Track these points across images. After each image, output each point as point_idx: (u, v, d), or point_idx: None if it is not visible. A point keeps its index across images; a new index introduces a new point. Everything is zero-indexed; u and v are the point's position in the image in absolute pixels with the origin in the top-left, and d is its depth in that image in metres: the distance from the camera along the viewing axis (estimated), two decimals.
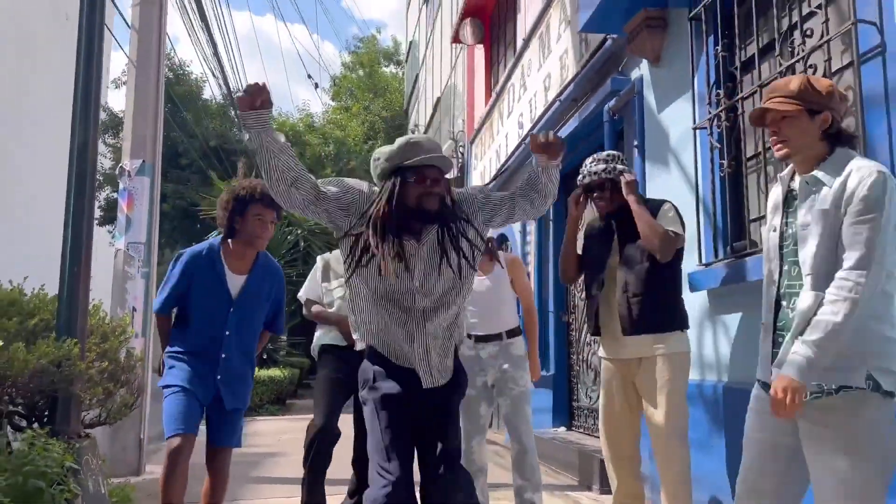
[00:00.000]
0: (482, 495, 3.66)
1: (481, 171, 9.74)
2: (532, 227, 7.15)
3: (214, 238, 3.25)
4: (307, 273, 13.34)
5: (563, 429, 6.22)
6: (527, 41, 7.40)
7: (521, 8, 8.10)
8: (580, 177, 3.44)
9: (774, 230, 2.15)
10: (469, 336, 3.78)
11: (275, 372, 11.77)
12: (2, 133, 12.43)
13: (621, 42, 4.76)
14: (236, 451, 3.38)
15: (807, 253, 2.00)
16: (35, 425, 3.55)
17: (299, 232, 13.58)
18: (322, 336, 4.02)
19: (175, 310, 3.29)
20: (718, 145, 3.48)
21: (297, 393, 14.76)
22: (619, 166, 3.32)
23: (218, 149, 15.74)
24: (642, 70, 4.55)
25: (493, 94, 9.11)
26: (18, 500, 3.03)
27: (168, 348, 3.21)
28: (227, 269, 3.13)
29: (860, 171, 1.93)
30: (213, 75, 9.22)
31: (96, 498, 3.88)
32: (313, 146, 18.05)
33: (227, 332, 3.09)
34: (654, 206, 3.21)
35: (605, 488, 4.51)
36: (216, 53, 8.87)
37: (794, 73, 2.96)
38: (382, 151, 2.45)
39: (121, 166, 5.93)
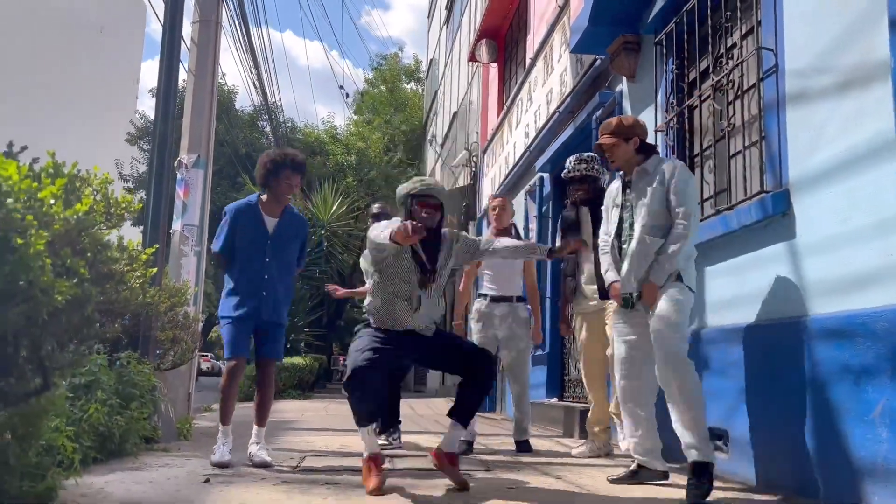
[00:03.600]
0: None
1: (492, 178, 10.65)
2: (534, 224, 8.04)
3: (251, 196, 4.21)
4: (329, 270, 14.26)
5: (555, 399, 7.06)
6: (533, 60, 8.33)
7: (531, 30, 9.05)
8: (564, 171, 4.41)
9: (616, 207, 3.42)
10: (484, 296, 4.76)
11: (297, 360, 12.72)
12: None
13: (608, 62, 5.67)
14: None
15: (642, 214, 3.26)
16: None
17: (322, 232, 14.56)
18: None
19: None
20: (672, 143, 4.37)
21: (316, 386, 15.64)
22: (597, 166, 4.31)
23: (248, 156, 16.80)
24: (623, 85, 5.46)
25: (504, 108, 10.04)
26: (121, 400, 3.95)
27: (225, 287, 4.13)
28: (263, 214, 4.09)
29: (671, 164, 3.27)
30: (254, 85, 10.21)
31: (166, 418, 4.82)
32: (336, 156, 19.09)
33: (268, 259, 4.02)
34: None
35: (583, 435, 5.34)
36: (256, 65, 9.87)
37: (722, 86, 3.86)
38: (402, 186, 3.48)
39: (179, 160, 6.89)
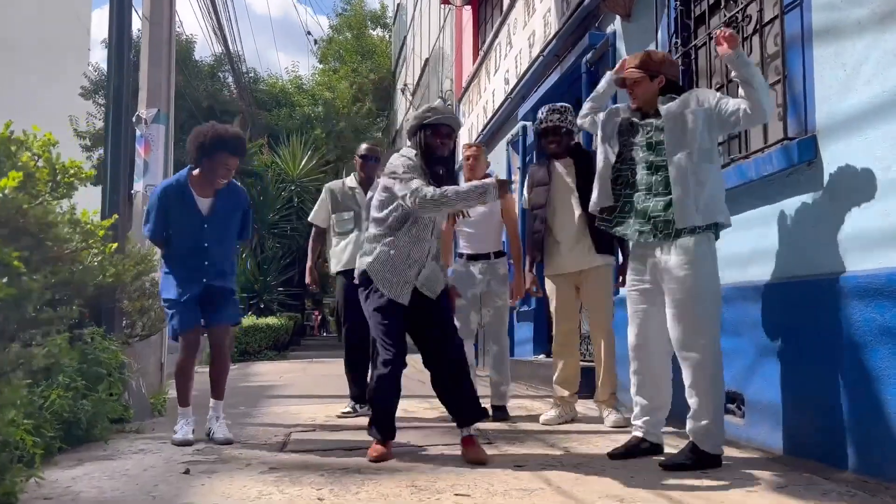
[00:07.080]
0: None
1: (468, 128, 10.25)
2: (517, 175, 7.72)
3: (181, 171, 3.71)
4: (301, 227, 13.90)
5: (542, 356, 6.88)
6: (513, 1, 7.88)
7: None
8: (537, 122, 4.14)
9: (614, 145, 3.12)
10: (461, 255, 4.46)
11: (271, 320, 12.39)
12: None
13: (597, 0, 5.29)
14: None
15: (687, 140, 2.89)
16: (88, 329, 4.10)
17: (293, 188, 14.06)
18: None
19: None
20: None
21: (291, 344, 15.37)
22: (571, 118, 4.03)
23: (211, 109, 16.06)
24: (616, 25, 5.10)
25: (481, 54, 9.59)
26: (87, 381, 3.62)
27: (162, 268, 3.77)
28: (195, 195, 3.63)
29: (699, 90, 3.03)
30: (215, 33, 9.59)
31: (138, 394, 4.49)
32: (302, 107, 18.40)
33: (206, 245, 3.63)
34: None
35: (582, 394, 5.15)
36: (215, 9, 9.24)
37: (737, 21, 3.54)
38: (411, 115, 3.25)
39: (137, 115, 6.38)
